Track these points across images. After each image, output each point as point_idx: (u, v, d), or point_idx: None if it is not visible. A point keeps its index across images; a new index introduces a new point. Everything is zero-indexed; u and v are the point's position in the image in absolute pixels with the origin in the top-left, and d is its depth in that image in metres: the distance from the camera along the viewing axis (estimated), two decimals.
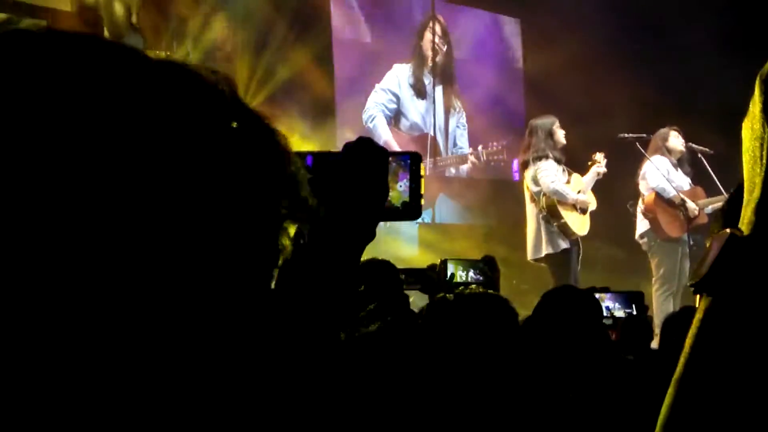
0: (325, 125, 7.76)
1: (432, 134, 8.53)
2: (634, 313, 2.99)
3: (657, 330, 5.87)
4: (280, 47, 7.58)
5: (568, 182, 6.48)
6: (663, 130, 6.82)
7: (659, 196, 6.66)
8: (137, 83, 0.49)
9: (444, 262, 3.48)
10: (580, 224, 6.46)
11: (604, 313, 3.00)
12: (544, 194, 6.36)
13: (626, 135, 6.80)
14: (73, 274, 0.44)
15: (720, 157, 6.81)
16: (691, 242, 6.62)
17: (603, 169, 6.52)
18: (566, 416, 1.99)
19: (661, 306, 6.51)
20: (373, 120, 8.17)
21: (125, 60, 0.50)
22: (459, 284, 3.43)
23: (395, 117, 8.43)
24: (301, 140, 7.20)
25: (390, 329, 1.75)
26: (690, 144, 6.85)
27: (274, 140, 0.54)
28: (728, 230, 0.72)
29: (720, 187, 6.59)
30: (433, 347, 1.86)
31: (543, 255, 6.40)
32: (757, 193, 0.73)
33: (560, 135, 6.47)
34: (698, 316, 0.72)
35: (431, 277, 3.69)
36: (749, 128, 0.77)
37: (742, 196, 1.22)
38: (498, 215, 8.61)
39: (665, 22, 8.45)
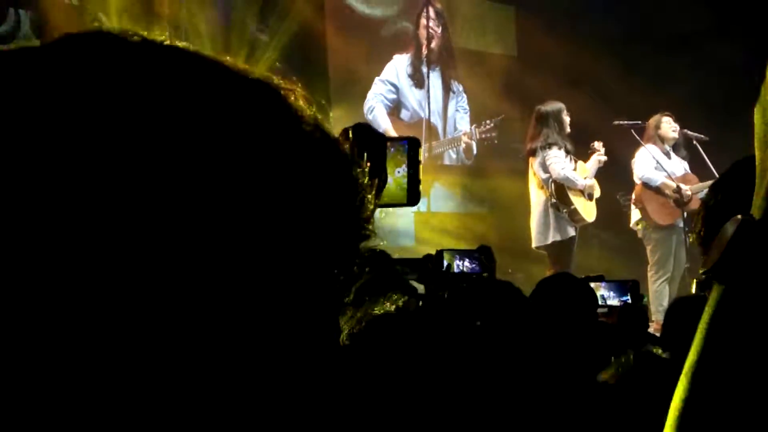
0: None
1: (427, 118, 8.52)
2: (630, 301, 3.00)
3: (653, 317, 5.94)
4: (273, 36, 7.57)
5: (574, 169, 6.52)
6: (655, 117, 6.81)
7: (646, 185, 6.68)
8: (223, 99, 0.49)
9: (440, 253, 3.48)
10: (588, 210, 6.52)
11: (599, 302, 3.02)
12: (554, 181, 6.38)
13: (622, 122, 6.80)
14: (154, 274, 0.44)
15: (717, 143, 6.82)
16: (686, 228, 6.64)
17: (604, 157, 6.57)
18: (559, 403, 2.01)
19: (656, 292, 6.55)
20: (372, 111, 8.17)
21: (212, 74, 0.50)
22: (455, 275, 3.44)
23: (396, 107, 8.42)
24: None
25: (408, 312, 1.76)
26: (685, 130, 6.84)
27: (343, 158, 0.55)
28: (740, 216, 0.71)
29: (715, 172, 6.60)
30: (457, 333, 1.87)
31: (550, 242, 6.42)
32: None
33: (567, 122, 6.49)
34: (710, 303, 0.71)
35: (427, 267, 3.69)
36: (760, 113, 0.76)
37: (727, 184, 1.21)
38: (493, 204, 8.62)
39: (662, 8, 8.43)
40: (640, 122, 6.82)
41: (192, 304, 0.45)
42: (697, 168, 6.86)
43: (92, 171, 0.44)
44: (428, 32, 8.56)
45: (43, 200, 0.43)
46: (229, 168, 0.47)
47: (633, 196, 6.81)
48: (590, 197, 6.57)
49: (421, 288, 3.74)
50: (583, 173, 6.56)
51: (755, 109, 0.76)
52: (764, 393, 0.66)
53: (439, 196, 8.87)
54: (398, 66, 8.47)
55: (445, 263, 3.51)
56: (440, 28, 8.74)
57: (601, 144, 6.63)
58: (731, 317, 0.68)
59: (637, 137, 6.74)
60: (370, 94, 8.22)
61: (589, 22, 8.36)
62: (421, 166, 1.23)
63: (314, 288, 0.51)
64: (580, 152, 6.71)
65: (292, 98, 0.53)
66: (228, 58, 0.53)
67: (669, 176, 6.65)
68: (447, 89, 8.81)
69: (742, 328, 0.68)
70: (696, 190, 6.69)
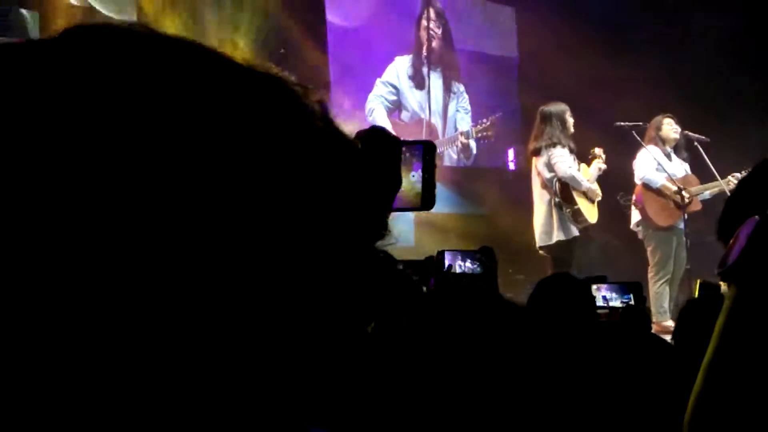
0: None
1: (427, 119, 8.53)
2: (632, 302, 3.00)
3: (654, 318, 5.93)
4: (276, 34, 7.58)
5: (578, 170, 6.52)
6: (657, 119, 6.81)
7: (646, 186, 6.68)
8: (233, 92, 0.48)
9: (441, 253, 3.48)
10: (590, 212, 6.52)
11: (602, 303, 3.01)
12: (558, 180, 6.37)
13: (623, 123, 6.80)
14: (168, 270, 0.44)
15: (717, 145, 6.82)
16: (687, 230, 6.63)
17: (604, 165, 6.57)
18: (556, 404, 2.00)
19: (656, 294, 6.54)
20: (372, 113, 8.18)
21: (223, 70, 0.49)
22: (456, 275, 3.44)
23: (396, 109, 8.44)
24: None
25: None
26: (686, 132, 6.84)
27: (355, 155, 0.55)
28: (756, 217, 0.70)
29: (716, 174, 6.60)
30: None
31: (554, 242, 6.41)
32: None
33: (570, 123, 6.49)
34: (727, 303, 0.71)
35: (429, 269, 3.69)
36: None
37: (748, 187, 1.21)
38: (494, 204, 8.62)
39: (662, 7, 8.44)
40: (641, 123, 6.82)
41: (199, 301, 0.44)
42: (699, 169, 6.86)
43: (98, 166, 0.43)
44: (428, 33, 8.56)
45: (44, 197, 0.43)
46: (241, 163, 0.46)
47: (633, 198, 6.81)
48: (592, 201, 6.58)
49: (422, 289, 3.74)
50: (586, 176, 6.56)
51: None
52: None
53: (440, 197, 8.86)
54: (399, 67, 8.48)
55: (447, 264, 3.51)
56: (440, 29, 8.74)
57: (602, 150, 6.63)
58: (747, 317, 0.68)
59: (638, 138, 6.74)
60: (370, 96, 8.24)
61: (589, 22, 8.35)
62: (436, 170, 1.23)
63: (327, 284, 0.50)
64: (581, 155, 6.70)
65: (305, 95, 0.52)
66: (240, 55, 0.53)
67: (670, 178, 6.64)
68: (448, 90, 8.82)
69: (757, 328, 0.68)
70: (697, 191, 6.70)
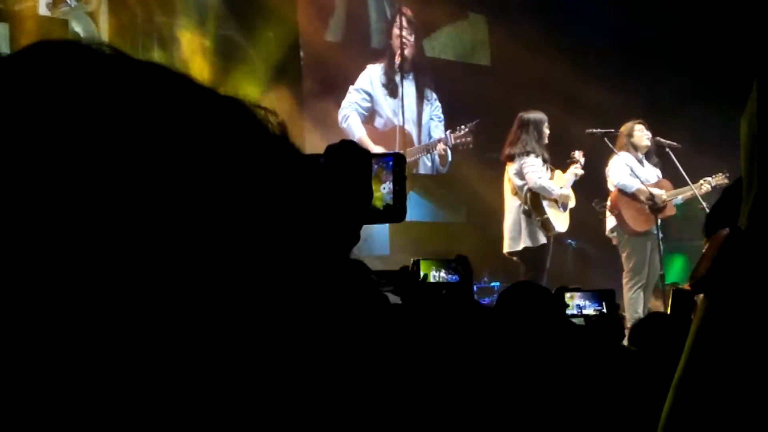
0: (293, 127, 7.72)
1: (401, 125, 8.54)
2: (605, 311, 3.01)
3: (628, 325, 5.97)
4: (248, 44, 7.56)
5: (551, 178, 6.55)
6: (628, 125, 6.85)
7: (621, 192, 6.72)
8: (188, 113, 0.49)
9: (416, 263, 3.47)
10: (561, 220, 6.54)
11: (575, 311, 3.02)
12: (529, 189, 6.40)
13: (594, 130, 6.85)
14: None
15: (688, 150, 6.90)
16: (661, 235, 6.68)
17: (581, 171, 6.60)
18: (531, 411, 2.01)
19: (630, 299, 6.58)
20: (347, 120, 8.17)
21: (181, 92, 0.50)
22: (432, 284, 3.44)
23: (370, 116, 8.44)
24: None
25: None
26: (658, 138, 6.90)
27: (314, 181, 0.56)
28: (726, 229, 0.71)
29: (687, 179, 6.67)
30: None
31: (521, 248, 6.43)
32: (754, 190, 0.71)
33: (546, 133, 6.52)
34: (698, 315, 0.71)
35: (404, 279, 3.68)
36: (746, 125, 0.76)
37: (728, 201, 1.23)
38: (468, 212, 8.64)
39: (628, 17, 8.53)
40: (612, 130, 6.87)
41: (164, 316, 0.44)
42: (670, 175, 6.93)
43: (66, 177, 0.44)
44: (401, 41, 8.58)
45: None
46: (197, 178, 0.47)
47: (608, 203, 6.85)
48: (564, 207, 6.60)
49: (397, 299, 3.73)
50: (560, 183, 6.58)
51: (741, 121, 0.76)
52: (749, 403, 0.66)
53: (414, 205, 8.89)
54: (372, 75, 8.49)
55: (422, 273, 3.50)
56: (412, 36, 8.76)
57: (582, 154, 6.67)
58: (718, 329, 0.68)
59: (610, 145, 6.79)
60: (344, 103, 8.24)
61: (561, 31, 8.42)
62: (406, 181, 1.22)
63: (283, 293, 0.51)
64: (556, 161, 6.74)
65: (260, 113, 0.53)
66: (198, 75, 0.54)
67: (643, 183, 6.69)
68: (421, 97, 8.84)
69: (728, 341, 0.68)
70: (671, 196, 6.75)
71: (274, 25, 7.74)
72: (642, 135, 6.81)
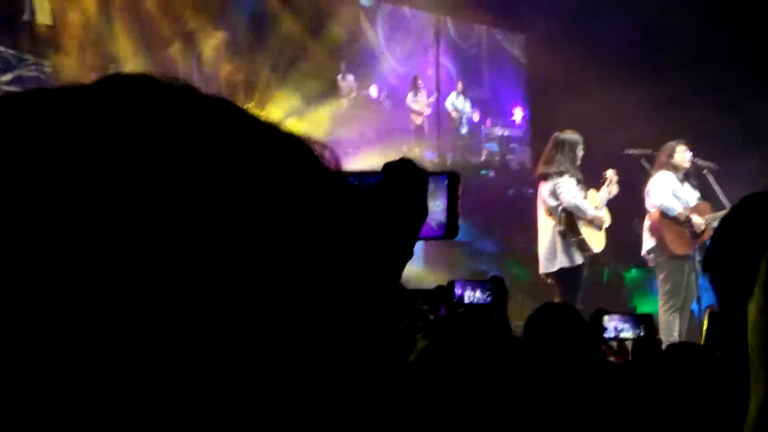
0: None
1: None
2: (643, 334, 2.98)
3: (664, 347, 5.89)
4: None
5: (585, 198, 6.49)
6: (669, 144, 6.73)
7: (664, 214, 6.61)
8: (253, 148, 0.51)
9: (451, 283, 3.47)
10: (596, 240, 6.48)
11: (612, 335, 3.00)
12: (563, 209, 6.35)
13: (632, 151, 6.78)
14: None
15: (725, 172, 6.81)
16: (698, 257, 6.58)
17: (615, 189, 6.53)
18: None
19: (666, 322, 6.49)
20: None
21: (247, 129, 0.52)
22: (467, 305, 3.43)
23: None
24: None
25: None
26: (695, 159, 6.79)
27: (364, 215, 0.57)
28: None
29: (725, 201, 6.57)
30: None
31: (557, 269, 6.37)
32: (760, 394, 0.71)
33: (581, 155, 6.48)
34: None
35: (439, 298, 3.68)
36: (753, 311, 0.76)
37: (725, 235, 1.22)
38: (504, 233, 8.62)
39: (670, 33, 8.47)
40: (650, 151, 6.79)
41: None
42: (708, 197, 6.83)
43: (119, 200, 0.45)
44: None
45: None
46: (257, 216, 0.48)
47: (648, 224, 6.73)
48: (599, 228, 6.53)
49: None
50: (593, 202, 6.53)
51: (749, 306, 0.76)
52: None
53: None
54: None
55: (457, 294, 3.50)
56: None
57: (615, 172, 6.60)
58: None
59: (647, 166, 6.71)
60: None
61: (598, 49, 8.39)
62: (460, 200, 1.23)
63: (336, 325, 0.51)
64: (590, 180, 6.69)
65: (322, 153, 0.55)
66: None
67: (685, 205, 6.59)
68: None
69: None
70: (709, 220, 6.61)
71: None
72: (684, 156, 6.69)
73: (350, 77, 8.98)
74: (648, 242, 6.72)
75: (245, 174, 0.49)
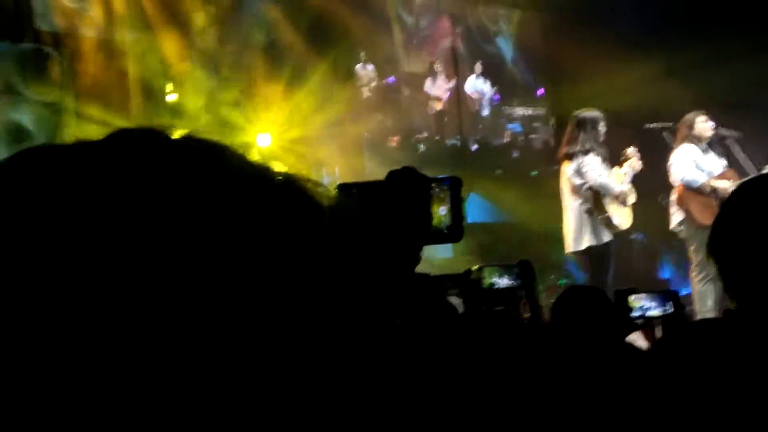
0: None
1: None
2: (671, 311, 2.99)
3: (698, 317, 5.87)
4: None
5: (609, 176, 6.47)
6: (689, 116, 6.66)
7: (687, 186, 6.57)
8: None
9: (480, 269, 3.50)
10: (623, 216, 6.46)
11: (639, 314, 3.01)
12: (590, 187, 6.34)
13: (653, 125, 6.74)
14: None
15: (749, 139, 6.75)
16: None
17: (639, 164, 6.49)
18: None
19: (700, 293, 6.47)
20: None
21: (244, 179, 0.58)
22: (496, 290, 3.46)
23: None
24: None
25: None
26: (719, 129, 6.73)
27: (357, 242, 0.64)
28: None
29: (753, 167, 6.51)
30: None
31: (584, 247, 6.36)
32: None
33: (603, 131, 6.45)
34: None
35: (468, 282, 3.70)
36: None
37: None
38: (530, 212, 8.61)
39: (688, 4, 8.39)
40: (671, 124, 6.75)
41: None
42: (734, 164, 6.77)
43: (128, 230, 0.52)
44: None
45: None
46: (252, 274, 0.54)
47: (674, 198, 6.70)
48: (625, 203, 6.51)
49: (460, 303, 3.76)
50: (619, 179, 6.50)
51: None
52: None
53: (476, 206, 8.89)
54: None
55: (485, 279, 3.52)
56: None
57: (636, 149, 6.56)
58: None
59: (668, 140, 6.67)
60: None
61: (610, 22, 8.33)
62: (464, 204, 1.27)
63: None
64: (613, 157, 6.66)
65: (314, 191, 0.60)
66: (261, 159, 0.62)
67: (708, 175, 6.55)
68: None
69: None
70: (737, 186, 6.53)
71: None
72: (704, 126, 6.63)
73: (369, 67, 9.00)
74: (676, 216, 6.69)
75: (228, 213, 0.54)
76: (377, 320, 1.11)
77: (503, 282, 3.39)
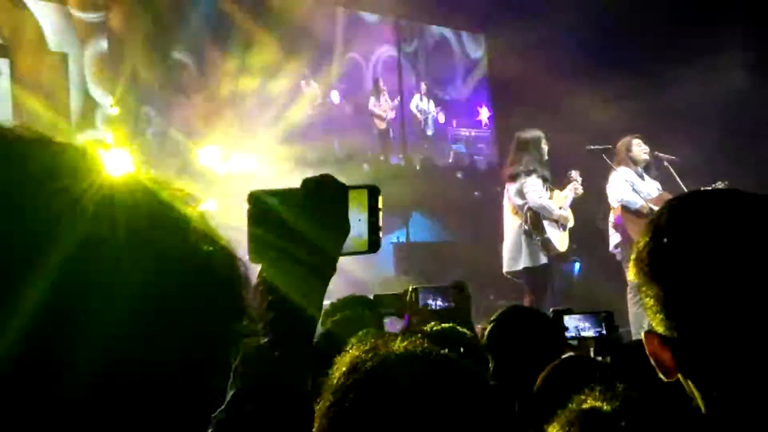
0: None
1: None
2: (604, 332, 3.00)
3: (633, 338, 5.92)
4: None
5: (550, 198, 6.51)
6: (625, 140, 6.79)
7: (625, 208, 6.66)
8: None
9: (415, 291, 3.47)
10: (561, 240, 6.50)
11: (574, 334, 3.01)
12: (529, 208, 6.37)
13: (593, 146, 6.82)
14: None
15: (687, 163, 6.88)
16: None
17: (581, 189, 6.56)
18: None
19: (636, 314, 6.54)
20: None
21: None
22: (431, 311, 3.43)
23: None
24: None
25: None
26: (656, 153, 6.86)
27: (235, 270, 0.58)
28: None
29: (686, 192, 6.63)
30: None
31: (521, 268, 6.38)
32: None
33: (546, 150, 6.49)
34: None
35: (406, 303, 3.68)
36: None
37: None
38: (472, 231, 8.65)
39: (627, 32, 8.56)
40: (611, 146, 6.84)
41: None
42: (671, 188, 6.89)
43: None
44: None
45: None
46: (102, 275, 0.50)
47: (612, 220, 6.78)
48: (564, 227, 6.56)
49: (399, 322, 3.74)
50: (558, 202, 6.55)
51: None
52: None
53: (418, 226, 8.89)
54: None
55: (421, 300, 3.50)
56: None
57: (579, 173, 6.63)
58: None
59: (609, 161, 6.76)
60: None
61: (558, 48, 8.45)
62: (381, 213, 1.23)
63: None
64: (554, 178, 6.72)
65: (178, 203, 0.57)
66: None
67: (644, 198, 6.65)
68: None
69: None
70: None
71: None
72: (640, 149, 6.76)
73: (313, 83, 8.97)
74: (614, 237, 6.77)
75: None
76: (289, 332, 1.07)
77: (438, 302, 3.37)
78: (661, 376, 1.14)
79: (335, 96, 9.27)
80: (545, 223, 6.41)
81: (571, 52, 8.49)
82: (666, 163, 6.84)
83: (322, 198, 1.13)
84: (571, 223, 6.58)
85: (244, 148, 7.72)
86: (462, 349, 2.26)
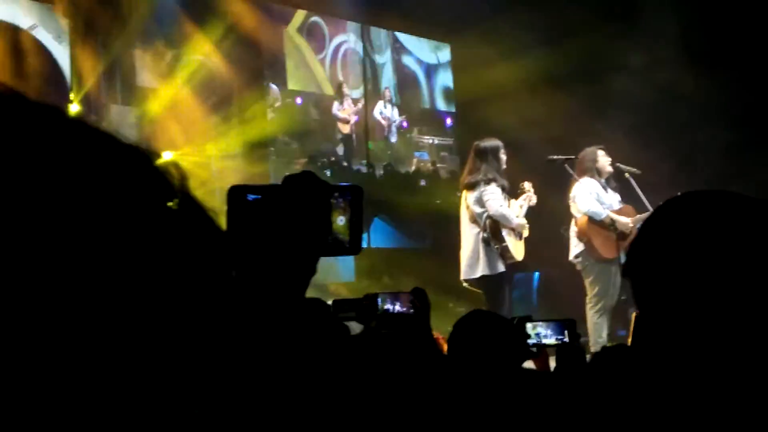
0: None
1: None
2: (566, 340, 2.97)
3: (591, 349, 5.95)
4: None
5: (509, 206, 6.52)
6: (590, 150, 6.83)
7: (591, 219, 6.68)
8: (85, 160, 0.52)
9: (374, 296, 3.43)
10: (518, 249, 6.50)
11: (536, 341, 2.98)
12: (489, 217, 6.36)
13: (555, 157, 6.85)
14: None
15: (646, 175, 6.93)
16: (623, 259, 6.66)
17: (534, 198, 6.59)
18: None
19: (595, 324, 6.57)
20: None
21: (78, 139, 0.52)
22: (390, 316, 3.39)
23: None
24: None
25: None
26: (618, 164, 6.90)
27: (212, 224, 0.57)
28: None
29: (647, 204, 6.68)
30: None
31: (478, 276, 6.38)
32: None
33: (504, 159, 6.50)
34: None
35: (366, 307, 3.64)
36: None
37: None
38: (434, 238, 8.64)
39: (590, 42, 8.64)
40: (573, 156, 6.87)
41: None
42: (630, 200, 6.93)
43: None
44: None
45: None
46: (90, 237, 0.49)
47: (575, 230, 6.79)
48: (520, 236, 6.57)
49: (358, 327, 3.68)
50: (515, 212, 6.56)
51: None
52: None
53: (380, 231, 8.87)
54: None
55: (379, 305, 3.46)
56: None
57: (531, 184, 6.66)
58: None
59: (571, 171, 6.78)
60: None
61: (521, 57, 8.50)
62: (363, 214, 1.21)
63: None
64: (515, 187, 6.73)
65: (166, 169, 0.55)
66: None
67: (609, 209, 6.69)
68: None
69: None
70: (636, 222, 6.69)
71: None
72: (605, 160, 6.80)
73: (273, 87, 8.89)
74: (576, 247, 6.79)
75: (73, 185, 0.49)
76: (268, 330, 1.05)
77: (396, 308, 3.33)
78: None
79: (298, 100, 9.21)
80: (504, 231, 6.41)
81: (533, 62, 8.54)
82: (627, 175, 6.87)
83: (304, 196, 1.09)
84: (526, 233, 6.60)
85: (204, 150, 7.64)
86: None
